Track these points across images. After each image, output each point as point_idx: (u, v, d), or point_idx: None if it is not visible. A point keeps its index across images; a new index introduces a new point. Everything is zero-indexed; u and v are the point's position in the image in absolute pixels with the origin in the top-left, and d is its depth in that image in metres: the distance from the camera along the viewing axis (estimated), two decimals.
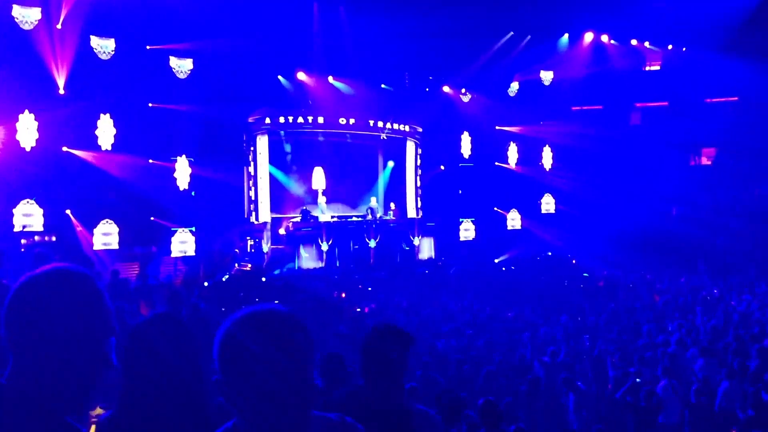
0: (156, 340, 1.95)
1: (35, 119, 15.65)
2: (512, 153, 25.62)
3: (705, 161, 27.54)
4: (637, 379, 9.04)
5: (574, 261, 23.03)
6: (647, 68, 26.80)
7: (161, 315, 2.07)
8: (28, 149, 15.57)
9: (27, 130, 15.58)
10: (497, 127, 25.27)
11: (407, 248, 21.50)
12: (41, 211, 15.76)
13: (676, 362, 9.96)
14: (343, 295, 17.49)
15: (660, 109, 26.78)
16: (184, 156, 18.48)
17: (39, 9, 15.62)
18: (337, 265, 19.65)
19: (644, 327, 13.11)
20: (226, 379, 1.68)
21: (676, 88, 26.07)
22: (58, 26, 15.93)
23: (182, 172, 18.49)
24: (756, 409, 8.43)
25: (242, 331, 1.69)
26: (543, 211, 26.14)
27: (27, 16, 15.54)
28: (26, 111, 15.60)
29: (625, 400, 8.87)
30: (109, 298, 1.81)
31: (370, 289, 18.37)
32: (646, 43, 26.25)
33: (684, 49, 26.06)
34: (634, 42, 26.05)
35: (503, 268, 22.40)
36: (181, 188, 18.45)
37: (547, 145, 26.32)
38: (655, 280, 19.88)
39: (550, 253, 24.12)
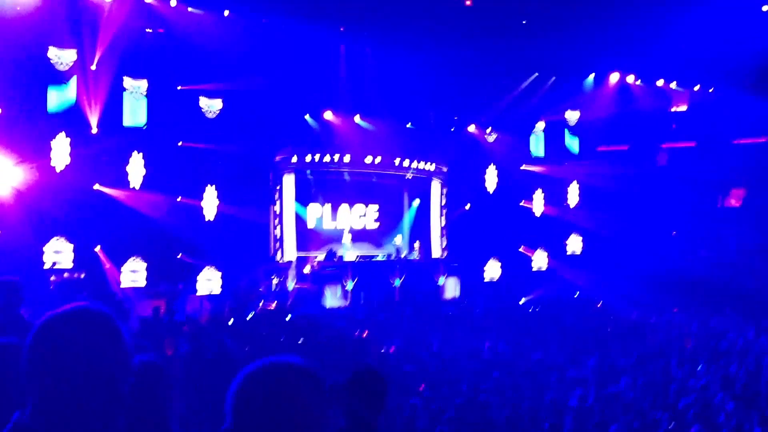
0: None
1: (69, 154, 15.97)
2: (538, 193, 25.54)
3: (734, 202, 27.15)
4: (670, 426, 8.81)
5: (599, 305, 22.63)
6: (674, 109, 26.70)
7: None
8: (58, 170, 15.79)
9: (61, 153, 15.86)
10: (522, 167, 25.25)
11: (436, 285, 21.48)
12: (71, 247, 15.97)
13: (708, 408, 9.72)
14: (365, 334, 17.37)
15: (687, 149, 26.58)
16: (211, 186, 18.68)
17: (74, 50, 15.99)
18: (362, 303, 19.58)
19: (675, 371, 12.83)
20: (237, 428, 1.71)
21: (704, 129, 25.88)
22: (93, 67, 16.33)
23: (209, 202, 18.68)
24: None
25: (253, 384, 1.73)
26: (569, 252, 25.88)
27: (62, 57, 15.95)
28: (62, 134, 15.86)
29: None
30: (129, 337, 1.80)
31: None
32: (673, 84, 26.17)
33: (711, 89, 25.94)
34: (660, 83, 25.99)
35: (531, 309, 22.10)
36: (208, 219, 18.57)
37: (572, 185, 26.19)
38: (685, 323, 19.48)
39: (577, 294, 23.82)
